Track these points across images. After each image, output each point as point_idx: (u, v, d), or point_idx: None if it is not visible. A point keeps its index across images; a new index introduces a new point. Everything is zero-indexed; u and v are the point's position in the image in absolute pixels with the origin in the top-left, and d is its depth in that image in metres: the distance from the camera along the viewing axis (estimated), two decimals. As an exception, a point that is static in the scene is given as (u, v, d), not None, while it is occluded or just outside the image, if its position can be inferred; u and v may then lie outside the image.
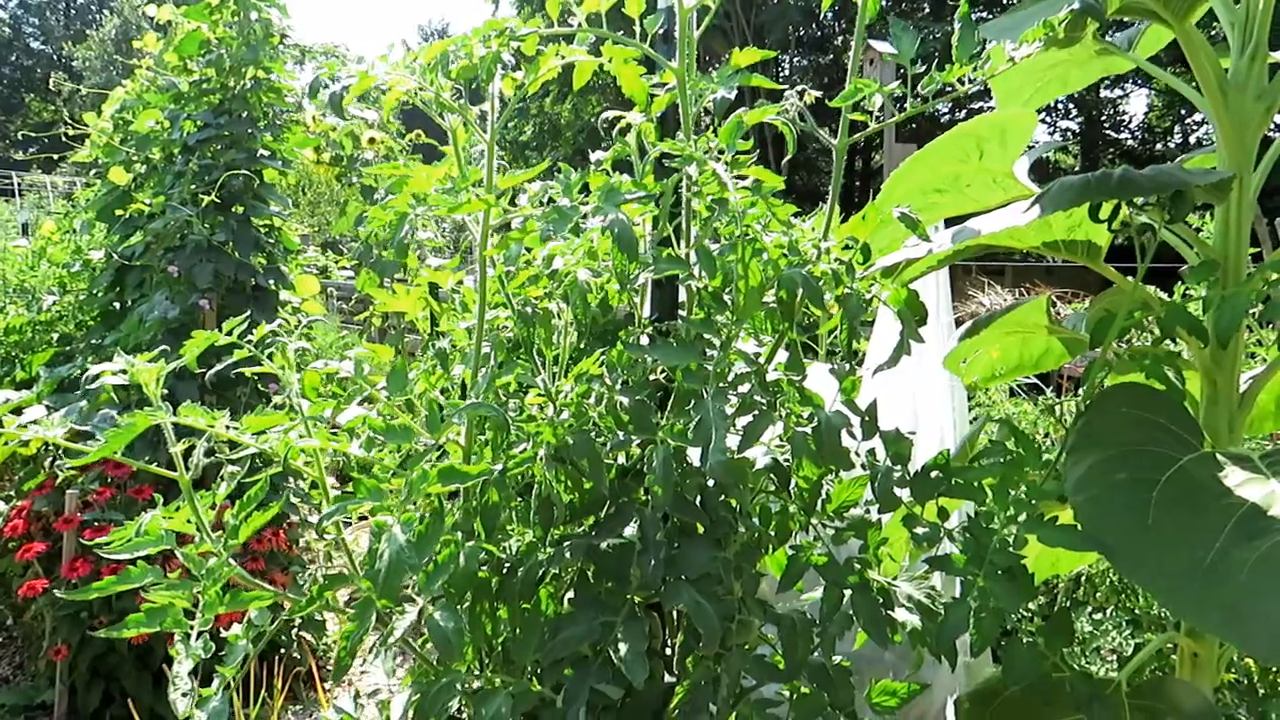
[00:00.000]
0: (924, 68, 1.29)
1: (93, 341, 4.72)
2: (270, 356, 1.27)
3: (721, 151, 1.19)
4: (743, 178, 1.29)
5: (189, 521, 1.21)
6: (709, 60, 20.67)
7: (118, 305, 4.75)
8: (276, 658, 3.57)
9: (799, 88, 1.32)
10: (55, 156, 6.07)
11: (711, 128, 1.36)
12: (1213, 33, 1.67)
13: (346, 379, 1.35)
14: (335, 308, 9.90)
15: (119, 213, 4.46)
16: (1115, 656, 3.27)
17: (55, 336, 5.11)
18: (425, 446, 1.19)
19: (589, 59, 1.31)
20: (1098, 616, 3.37)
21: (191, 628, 1.12)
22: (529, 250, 1.31)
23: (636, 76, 1.35)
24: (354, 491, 1.08)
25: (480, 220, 1.28)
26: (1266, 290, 1.29)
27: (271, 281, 4.32)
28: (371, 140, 5.17)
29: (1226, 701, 2.52)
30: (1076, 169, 23.29)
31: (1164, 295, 3.83)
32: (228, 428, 1.17)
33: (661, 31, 1.43)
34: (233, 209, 4.26)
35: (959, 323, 6.48)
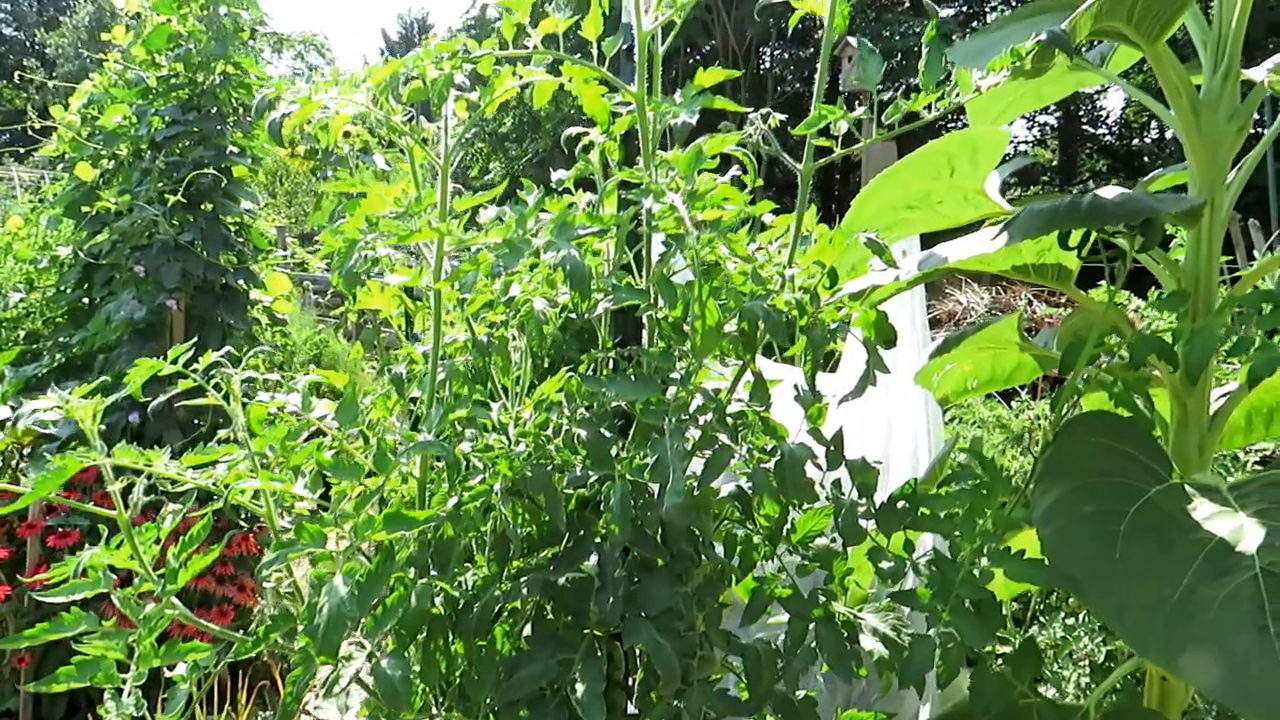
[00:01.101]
0: (892, 88, 1.26)
1: (60, 340, 4.63)
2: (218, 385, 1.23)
3: (683, 180, 1.15)
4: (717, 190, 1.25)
5: (132, 559, 1.17)
6: (689, 51, 20.60)
7: (86, 303, 4.66)
8: (245, 665, 3.52)
9: (764, 110, 1.29)
10: (21, 150, 5.95)
11: (675, 147, 1.32)
12: (1185, 44, 1.65)
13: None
14: (311, 301, 9.81)
15: (85, 209, 4.38)
16: (1088, 663, 3.27)
17: (22, 334, 5.02)
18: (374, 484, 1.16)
19: (548, 79, 1.27)
20: (1070, 622, 3.38)
21: (124, 681, 1.08)
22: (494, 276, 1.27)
23: (598, 96, 1.31)
24: (296, 538, 1.04)
25: (434, 246, 1.24)
26: (1235, 325, 1.27)
27: (241, 281, 4.25)
28: (347, 134, 5.11)
29: (1198, 717, 2.52)
30: (1055, 164, 23.40)
31: (1139, 300, 3.82)
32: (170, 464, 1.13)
33: (625, 47, 1.40)
34: (201, 207, 4.18)
35: (936, 322, 6.47)
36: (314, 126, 1.46)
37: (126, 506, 1.13)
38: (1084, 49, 1.75)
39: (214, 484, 1.16)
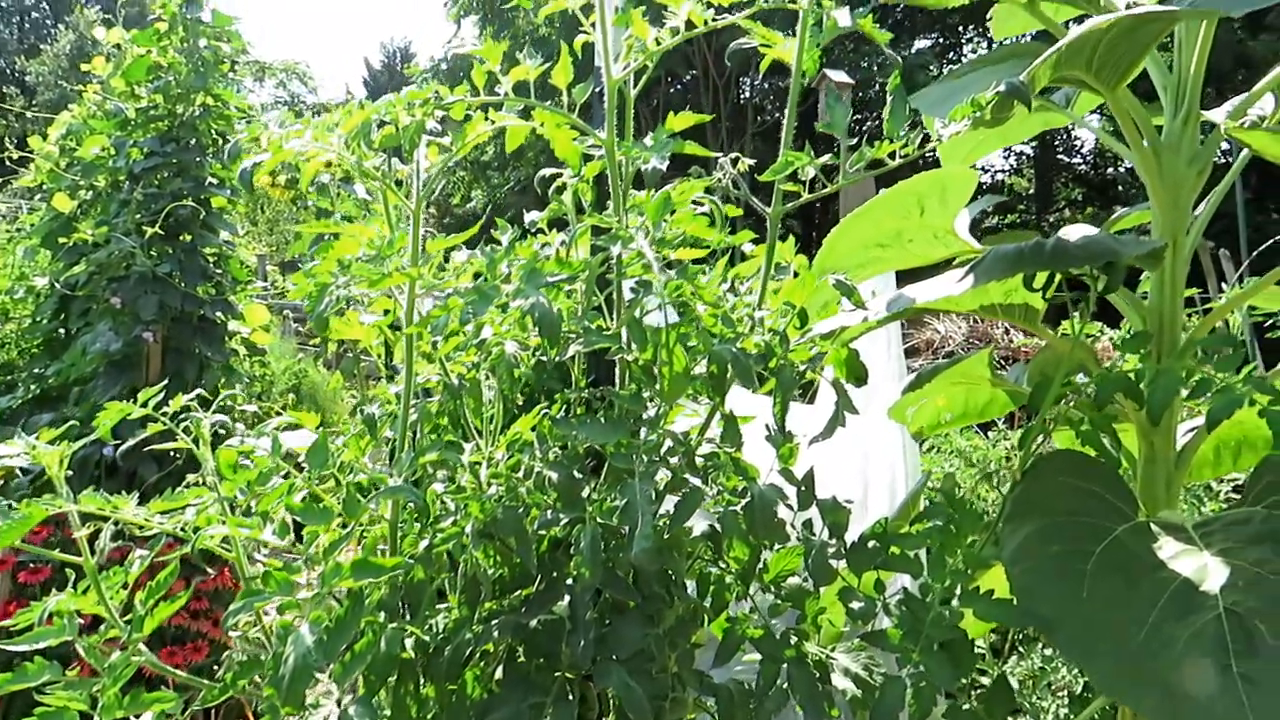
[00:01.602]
0: (871, 118, 1.28)
1: (35, 371, 4.59)
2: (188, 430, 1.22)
3: (651, 229, 1.17)
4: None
5: (99, 604, 1.16)
6: (670, 81, 20.75)
7: (62, 334, 4.63)
8: (219, 704, 3.47)
9: (732, 155, 1.30)
10: (-1, 180, 5.92)
11: (647, 191, 1.34)
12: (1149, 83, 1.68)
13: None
14: (291, 330, 9.76)
15: (63, 240, 4.36)
16: (1066, 693, 3.27)
17: (-3, 365, 4.97)
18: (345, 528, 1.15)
19: (520, 123, 1.28)
20: (1049, 652, 3.38)
21: (87, 734, 1.06)
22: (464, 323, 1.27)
23: (569, 141, 1.33)
24: (263, 585, 1.04)
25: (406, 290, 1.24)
26: (1197, 365, 1.29)
27: (219, 312, 4.23)
28: (329, 164, 5.11)
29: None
30: (1031, 192, 23.65)
31: (1112, 331, 3.86)
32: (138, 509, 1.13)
33: (598, 91, 1.41)
34: (179, 238, 4.17)
35: (914, 351, 6.51)
36: (294, 157, 1.46)
37: (94, 552, 1.13)
38: (1051, 90, 1.78)
39: (182, 529, 1.15)
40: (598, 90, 1.40)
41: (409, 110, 1.17)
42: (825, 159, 1.24)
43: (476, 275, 1.34)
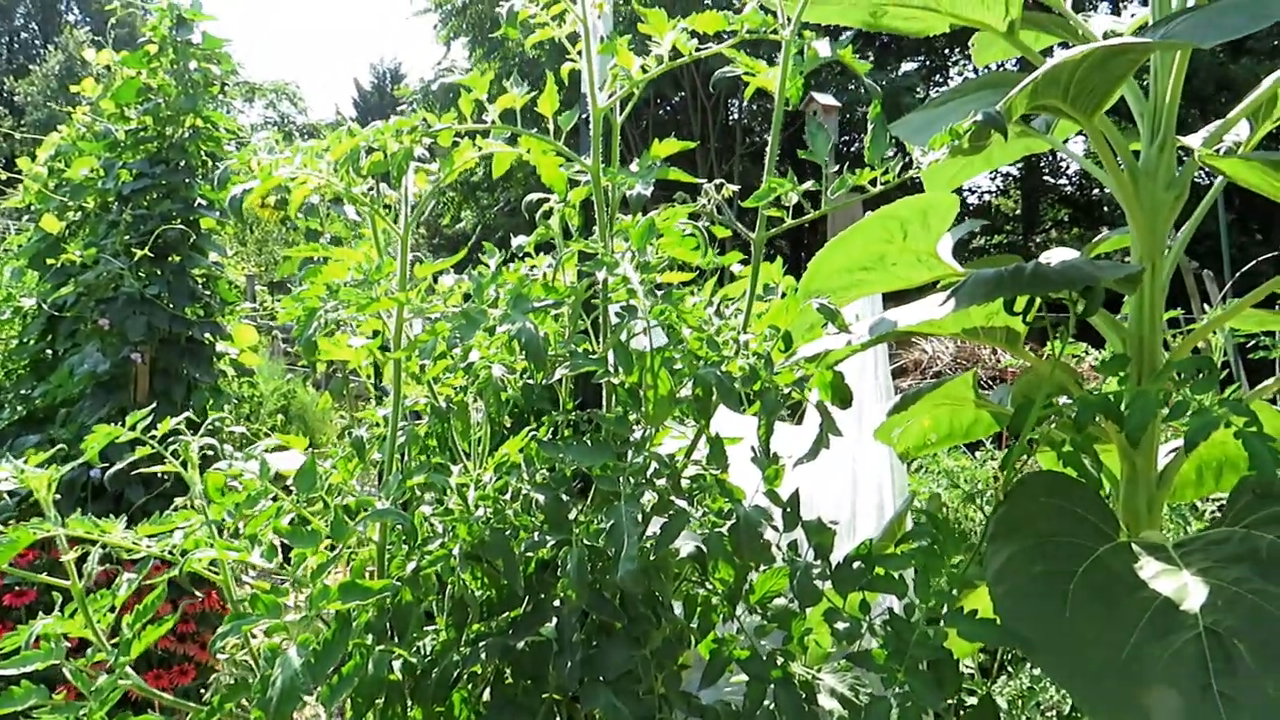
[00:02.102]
0: (859, 140, 1.30)
1: (22, 392, 4.58)
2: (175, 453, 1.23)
3: (636, 253, 1.18)
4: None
5: (86, 627, 1.16)
6: (659, 102, 20.89)
7: (49, 354, 4.62)
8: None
9: (716, 181, 1.32)
10: (-13, 200, 5.92)
11: (633, 217, 1.36)
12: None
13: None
14: (280, 350, 9.75)
15: (51, 261, 4.35)
16: (1055, 714, 3.28)
17: (-18, 386, 4.95)
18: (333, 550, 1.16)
19: (507, 150, 1.30)
20: (1037, 672, 3.39)
21: (72, 758, 1.06)
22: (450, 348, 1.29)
23: (555, 167, 1.35)
24: (250, 608, 1.04)
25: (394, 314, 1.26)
26: (1175, 387, 1.31)
27: (207, 333, 4.23)
28: (318, 186, 5.13)
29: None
30: (1018, 213, 23.83)
31: (1096, 351, 3.88)
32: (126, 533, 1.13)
33: (584, 117, 1.43)
34: (168, 259, 4.17)
35: (902, 371, 6.53)
36: (284, 179, 1.48)
37: (81, 575, 1.13)
38: (1031, 117, 1.81)
39: (170, 552, 1.16)
40: (584, 117, 1.42)
41: (397, 137, 1.19)
42: (808, 185, 1.26)
43: (465, 298, 1.36)
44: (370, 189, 1.26)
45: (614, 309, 1.26)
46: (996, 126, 1.10)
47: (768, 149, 1.33)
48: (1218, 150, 1.46)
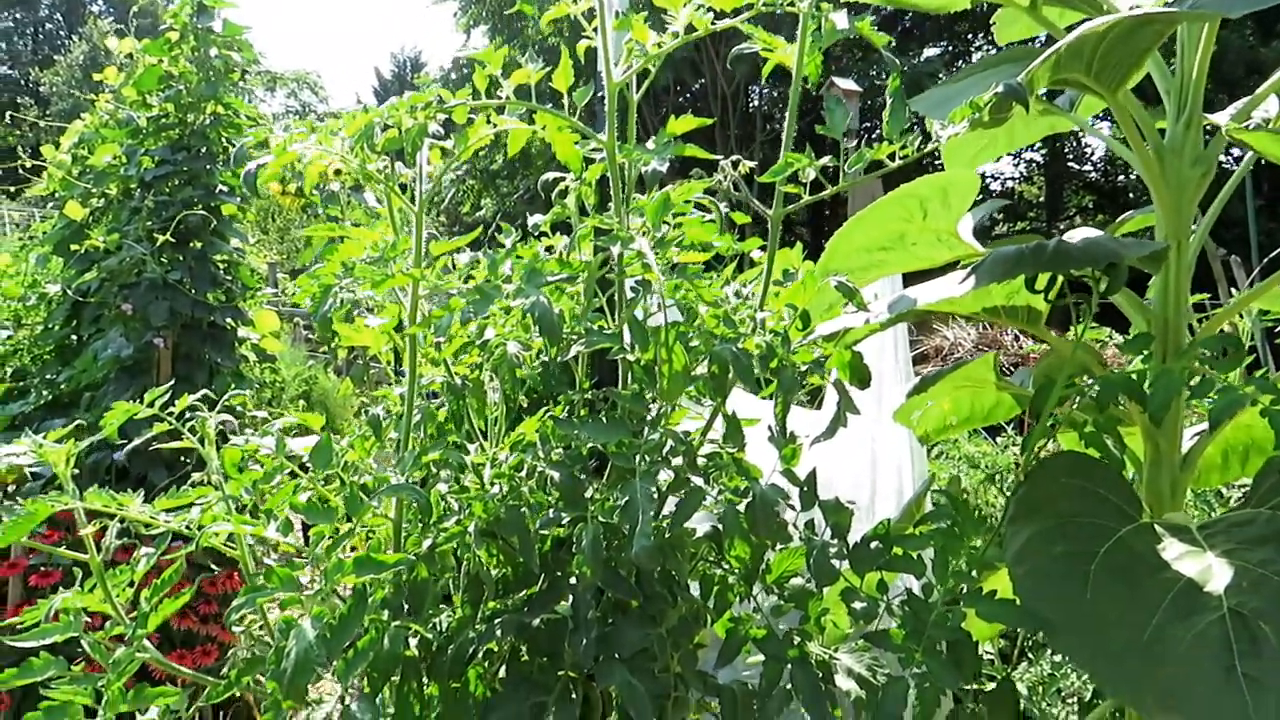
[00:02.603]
0: (878, 126, 1.29)
1: (47, 377, 4.63)
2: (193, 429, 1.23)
3: (651, 229, 1.17)
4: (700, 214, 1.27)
5: (104, 602, 1.17)
6: (679, 89, 20.79)
7: (74, 340, 4.67)
8: (226, 704, 3.49)
9: (734, 158, 1.31)
10: (12, 189, 5.98)
11: (649, 193, 1.35)
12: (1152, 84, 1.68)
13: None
14: (302, 337, 9.81)
15: (74, 247, 4.39)
16: (1076, 700, 3.26)
17: (9, 371, 5.01)
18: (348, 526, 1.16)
19: (522, 126, 1.29)
20: (1058, 658, 3.36)
21: (91, 729, 1.07)
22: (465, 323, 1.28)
23: (570, 144, 1.34)
24: (265, 581, 1.05)
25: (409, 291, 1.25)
26: (1200, 367, 1.29)
27: (229, 319, 4.26)
28: (338, 171, 5.15)
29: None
30: (1042, 199, 23.58)
31: (1120, 336, 3.86)
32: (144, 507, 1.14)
33: (600, 95, 1.42)
34: (190, 245, 4.20)
35: (922, 358, 6.49)
36: (303, 166, 1.48)
37: (100, 550, 1.14)
38: (1056, 94, 1.78)
39: (187, 527, 1.16)
40: (599, 95, 1.41)
41: (411, 113, 1.18)
42: (825, 160, 1.24)
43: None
44: (385, 167, 1.26)
45: (629, 284, 1.25)
46: (1018, 98, 1.08)
47: (785, 125, 1.31)
48: (1246, 126, 1.43)
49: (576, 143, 1.34)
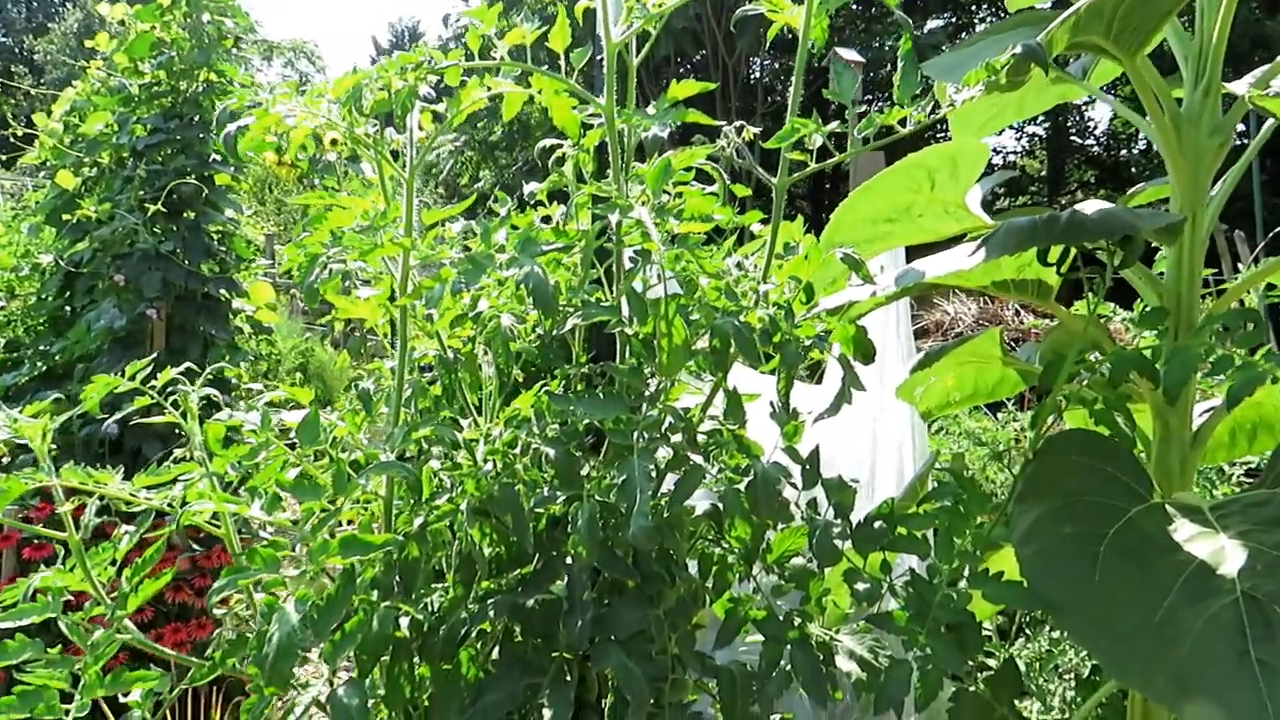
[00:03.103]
0: (881, 98, 1.24)
1: (40, 348, 4.59)
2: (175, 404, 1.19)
3: (651, 195, 1.13)
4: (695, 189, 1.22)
5: (84, 580, 1.13)
6: (680, 61, 20.60)
7: (67, 311, 4.62)
8: (220, 680, 3.48)
9: (736, 124, 1.26)
10: (5, 158, 5.91)
11: (651, 159, 1.30)
12: (1169, 53, 1.63)
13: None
14: (299, 309, 9.76)
15: (67, 217, 4.33)
16: (1074, 676, 3.25)
17: (2, 343, 4.97)
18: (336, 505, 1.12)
19: (517, 90, 1.24)
20: (1056, 635, 3.35)
21: (67, 713, 1.04)
22: (456, 294, 1.24)
23: (568, 109, 1.29)
24: (249, 562, 1.01)
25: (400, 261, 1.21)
26: (1216, 342, 1.25)
27: (223, 290, 4.21)
28: (334, 142, 5.08)
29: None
30: (1043, 174, 23.46)
31: (1125, 312, 3.83)
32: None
33: (600, 58, 1.37)
34: (183, 215, 4.14)
35: (923, 332, 6.45)
36: (290, 129, 1.43)
37: (79, 528, 1.10)
38: (1066, 62, 1.73)
39: (169, 505, 1.13)
40: (598, 59, 1.36)
41: (401, 75, 1.13)
42: (833, 126, 1.20)
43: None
44: (375, 131, 1.21)
45: (628, 255, 1.20)
46: (1037, 59, 1.03)
47: (791, 91, 1.26)
48: (1268, 93, 1.38)
49: (574, 108, 1.29)
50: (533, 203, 1.43)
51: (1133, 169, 20.16)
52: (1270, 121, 1.55)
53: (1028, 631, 3.48)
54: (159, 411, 1.25)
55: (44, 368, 4.52)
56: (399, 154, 1.31)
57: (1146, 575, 1.21)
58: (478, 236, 1.24)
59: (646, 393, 1.19)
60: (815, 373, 3.58)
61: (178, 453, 1.21)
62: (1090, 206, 1.39)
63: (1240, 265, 5.60)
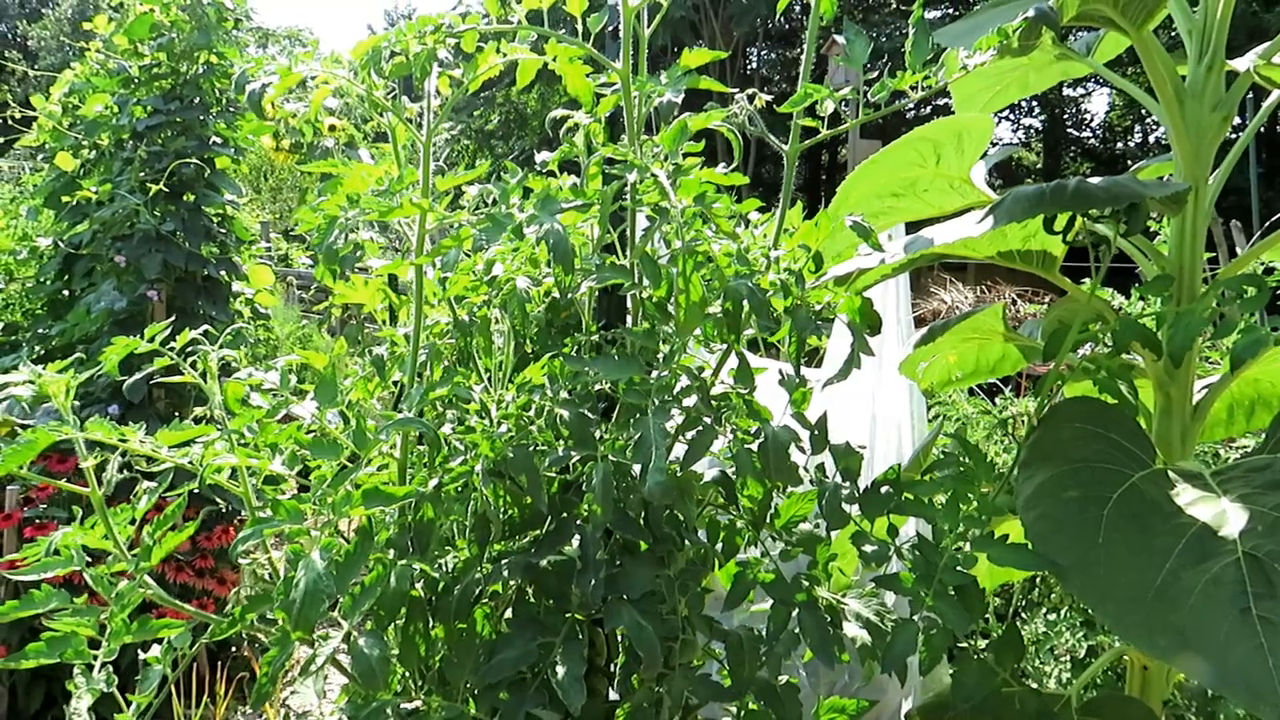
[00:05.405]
0: (878, 73, 1.25)
1: (39, 331, 4.59)
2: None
3: (667, 156, 1.14)
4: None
5: (105, 538, 1.14)
6: (676, 51, 20.58)
7: (66, 294, 4.62)
8: (224, 657, 3.50)
9: (749, 91, 1.28)
10: (2, 141, 5.89)
11: (660, 128, 1.31)
12: (1173, 33, 1.65)
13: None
14: (295, 297, 9.74)
15: (66, 199, 4.33)
16: (1069, 658, 3.28)
17: (1, 325, 4.96)
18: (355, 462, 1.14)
19: (532, 57, 1.26)
20: (1052, 617, 3.38)
21: (95, 658, 1.06)
22: (469, 255, 1.26)
23: (582, 76, 1.30)
24: (272, 514, 1.02)
25: (416, 224, 1.22)
26: (1219, 309, 1.27)
27: (223, 272, 4.21)
28: (332, 128, 5.08)
29: (1177, 702, 2.53)
30: (1040, 166, 23.51)
31: (1122, 297, 3.86)
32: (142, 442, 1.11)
33: (611, 29, 1.39)
34: (183, 197, 4.14)
35: (920, 321, 6.51)
36: (298, 121, 1.44)
37: (100, 483, 1.11)
38: (1069, 39, 1.75)
39: (190, 462, 1.14)
40: (611, 28, 1.37)
41: (419, 38, 1.14)
42: (844, 92, 1.21)
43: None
44: (392, 95, 1.22)
45: (641, 218, 1.22)
46: (1049, 23, 1.05)
47: (803, 58, 1.28)
48: (1275, 61, 1.40)
49: (588, 74, 1.30)
50: (544, 172, 1.44)
51: (1128, 161, 20.22)
52: (1269, 102, 1.57)
53: (1023, 614, 3.51)
54: (164, 384, 1.26)
55: (43, 351, 4.52)
56: (412, 120, 1.32)
57: (1149, 538, 1.23)
58: (490, 204, 1.25)
59: (660, 355, 1.20)
60: (813, 359, 3.60)
61: (196, 412, 1.22)
62: (1095, 178, 1.41)
63: (1237, 255, 5.63)
